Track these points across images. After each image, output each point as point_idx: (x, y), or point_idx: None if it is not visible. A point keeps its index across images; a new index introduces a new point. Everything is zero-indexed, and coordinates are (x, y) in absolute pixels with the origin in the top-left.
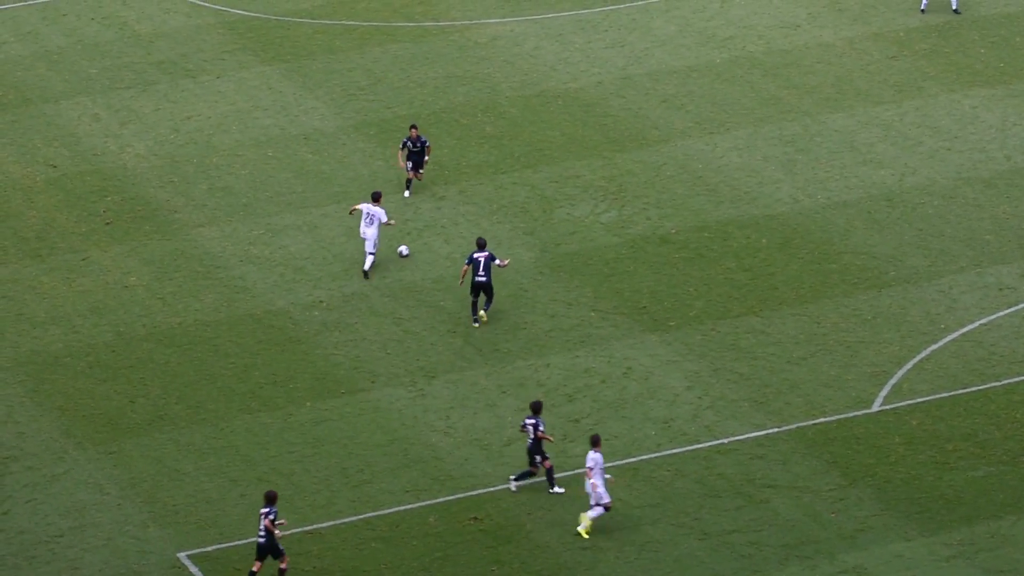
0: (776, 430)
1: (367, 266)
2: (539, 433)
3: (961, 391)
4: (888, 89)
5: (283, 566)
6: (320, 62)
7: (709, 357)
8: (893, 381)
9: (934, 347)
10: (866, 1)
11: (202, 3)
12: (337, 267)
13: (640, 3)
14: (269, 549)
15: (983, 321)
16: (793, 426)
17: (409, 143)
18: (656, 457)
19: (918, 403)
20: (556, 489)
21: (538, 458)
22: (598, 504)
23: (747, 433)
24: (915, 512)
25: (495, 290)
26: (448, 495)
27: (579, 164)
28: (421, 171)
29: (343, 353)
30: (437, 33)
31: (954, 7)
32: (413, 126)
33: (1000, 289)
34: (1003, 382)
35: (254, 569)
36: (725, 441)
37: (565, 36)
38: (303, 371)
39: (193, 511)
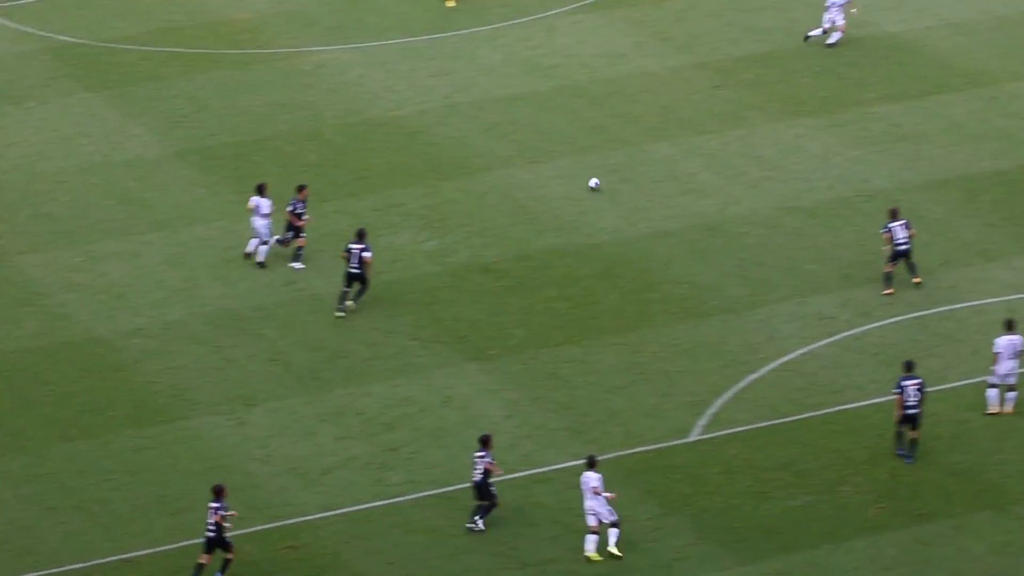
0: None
1: (261, 258)
2: (487, 465)
3: (779, 421)
4: (712, 118)
5: (229, 556)
6: (144, 89)
7: (529, 386)
8: (712, 410)
9: (753, 376)
10: (691, 31)
11: (27, 30)
12: (158, 295)
13: (465, 32)
14: (218, 542)
15: (803, 351)
16: (611, 455)
17: (299, 204)
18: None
19: (736, 432)
20: (480, 525)
21: (492, 489)
22: (610, 522)
23: (565, 462)
24: (732, 541)
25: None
26: (265, 523)
27: (402, 192)
28: (303, 234)
29: (163, 381)
30: (262, 60)
31: (809, 34)
32: (303, 187)
33: (820, 319)
34: (821, 412)
35: (202, 561)
36: (543, 470)
37: (390, 64)
38: (122, 399)
39: (9, 539)
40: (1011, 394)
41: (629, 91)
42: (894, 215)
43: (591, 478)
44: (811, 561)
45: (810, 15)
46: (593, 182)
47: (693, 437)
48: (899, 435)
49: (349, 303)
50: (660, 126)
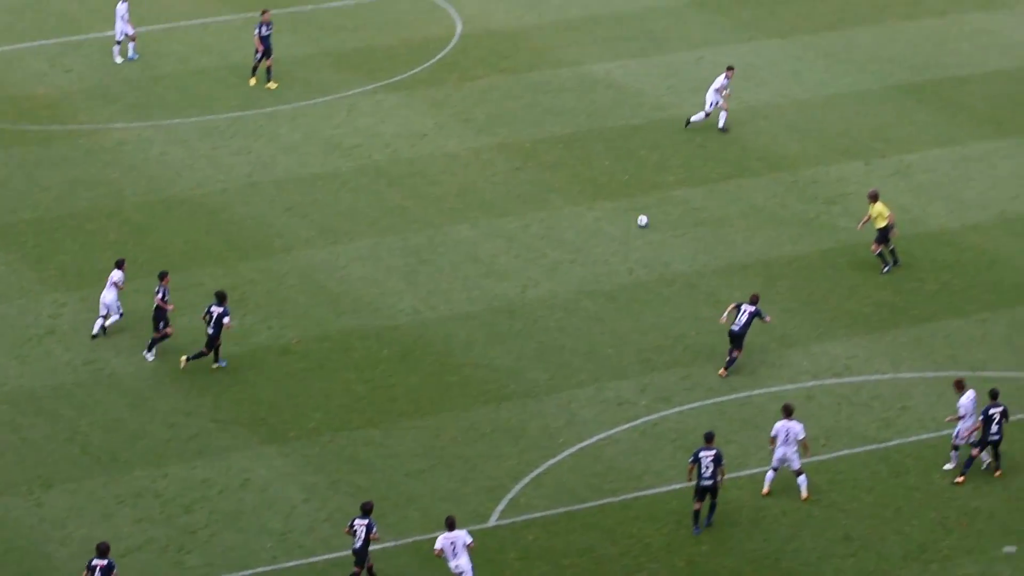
0: (393, 544)
1: (96, 328)
2: (372, 535)
3: (578, 506)
4: (513, 200)
5: None
6: None
7: (327, 469)
8: (510, 495)
9: (552, 461)
10: (492, 112)
11: None
12: None
13: (267, 110)
14: None
15: (601, 436)
16: (410, 540)
17: (162, 291)
18: (272, 570)
19: (535, 518)
20: None
21: (367, 561)
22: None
23: None
24: None
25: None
26: None
27: (202, 272)
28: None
29: None
30: (63, 137)
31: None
32: (166, 273)
33: (619, 404)
34: (620, 497)
35: None
36: (342, 554)
37: (191, 142)
38: None
39: None
40: (801, 479)
41: (430, 172)
42: (753, 300)
43: (462, 537)
44: None
45: (610, 96)
46: (643, 220)
47: (492, 523)
48: (696, 514)
49: (208, 362)
50: (461, 208)
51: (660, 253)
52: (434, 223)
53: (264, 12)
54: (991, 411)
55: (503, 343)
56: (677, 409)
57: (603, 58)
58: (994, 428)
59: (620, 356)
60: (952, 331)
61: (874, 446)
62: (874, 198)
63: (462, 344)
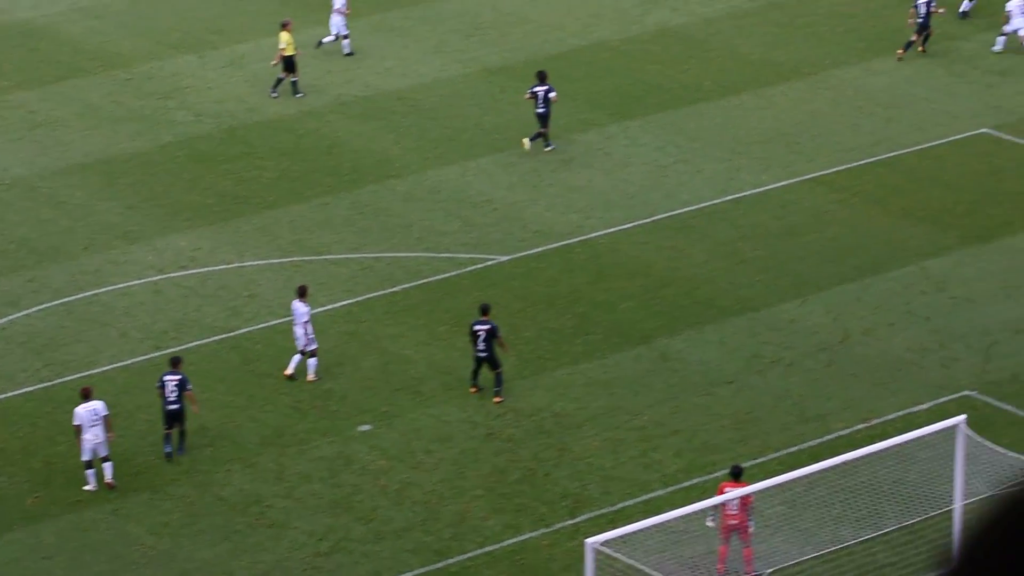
0: None
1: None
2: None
3: None
4: None
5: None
6: None
7: None
8: None
9: None
10: None
11: None
12: None
13: None
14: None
15: None
16: None
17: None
18: None
19: None
20: None
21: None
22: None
23: None
24: None
25: None
26: None
27: None
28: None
29: None
30: None
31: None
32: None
33: None
34: None
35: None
36: None
37: None
38: None
39: None
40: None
41: None
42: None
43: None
44: None
45: None
46: None
47: None
48: (167, 436)
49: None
50: None
51: None
52: None
53: None
54: (475, 328)
55: None
56: (24, 312)
57: None
58: (481, 345)
59: None
60: (295, 217)
61: (223, 336)
62: (284, 26)
63: None
